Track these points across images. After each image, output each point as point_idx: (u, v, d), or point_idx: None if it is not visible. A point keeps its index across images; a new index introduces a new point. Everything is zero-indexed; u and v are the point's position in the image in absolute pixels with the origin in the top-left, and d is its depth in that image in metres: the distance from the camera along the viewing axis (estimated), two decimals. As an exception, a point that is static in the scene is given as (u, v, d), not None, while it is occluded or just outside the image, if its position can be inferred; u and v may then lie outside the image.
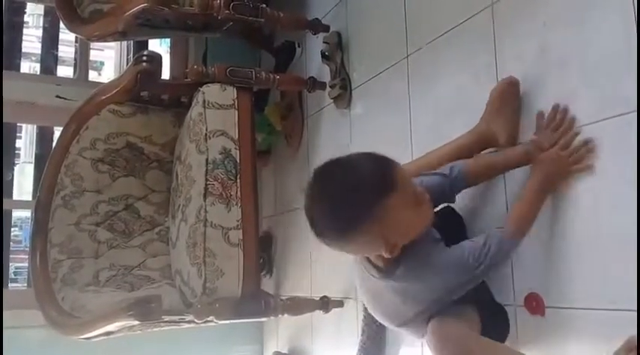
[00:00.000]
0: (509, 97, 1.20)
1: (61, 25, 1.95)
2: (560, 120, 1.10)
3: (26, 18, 4.07)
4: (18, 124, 3.63)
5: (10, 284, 3.18)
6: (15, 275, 3.98)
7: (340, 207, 0.96)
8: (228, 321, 1.55)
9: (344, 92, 1.87)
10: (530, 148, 1.13)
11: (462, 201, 1.31)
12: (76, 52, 2.74)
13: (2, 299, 1.85)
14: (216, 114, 1.64)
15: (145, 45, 2.76)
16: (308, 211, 1.01)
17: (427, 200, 1.03)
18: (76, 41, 2.71)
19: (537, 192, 1.10)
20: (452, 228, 1.27)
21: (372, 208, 0.95)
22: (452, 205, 1.29)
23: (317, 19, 2.00)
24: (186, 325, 1.65)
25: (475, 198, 1.31)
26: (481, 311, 1.14)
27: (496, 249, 1.04)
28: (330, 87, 1.92)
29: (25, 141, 6.22)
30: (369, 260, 1.09)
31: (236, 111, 1.67)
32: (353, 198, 0.95)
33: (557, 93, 1.13)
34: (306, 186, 1.02)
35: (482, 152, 1.25)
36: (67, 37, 3.58)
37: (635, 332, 0.95)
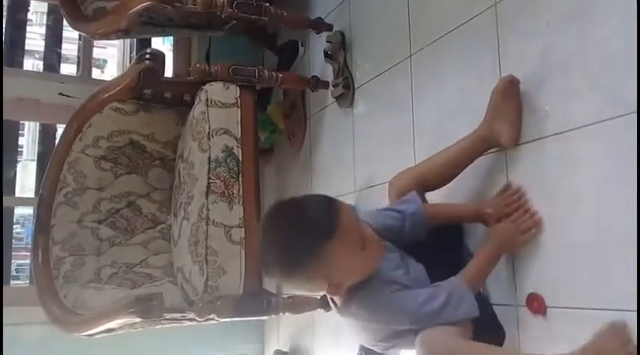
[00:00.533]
0: (511, 96, 1.20)
1: (65, 22, 1.96)
2: (512, 201, 1.19)
3: (30, 16, 4.08)
4: (21, 122, 3.63)
5: (12, 282, 3.18)
6: (17, 273, 3.99)
7: (284, 249, 1.02)
8: (229, 319, 1.56)
9: (347, 91, 1.87)
10: (482, 211, 1.22)
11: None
12: (79, 50, 2.74)
13: (2, 297, 1.85)
14: (218, 112, 1.64)
15: (148, 43, 2.76)
16: (260, 248, 1.08)
17: (374, 243, 1.07)
18: (79, 39, 2.71)
19: (489, 259, 1.17)
20: (450, 234, 1.29)
21: (312, 253, 1.00)
22: None
23: (320, 18, 2.00)
24: (188, 323, 1.65)
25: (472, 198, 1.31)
26: (474, 319, 1.14)
27: (449, 300, 1.08)
28: (333, 86, 1.92)
29: (28, 138, 6.24)
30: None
31: (239, 110, 1.67)
32: (295, 242, 1.00)
33: (559, 94, 1.13)
34: (261, 222, 1.09)
35: (485, 153, 1.26)
36: (70, 34, 3.59)
37: (635, 332, 0.95)
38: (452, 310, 1.07)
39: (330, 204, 1.04)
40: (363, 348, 1.63)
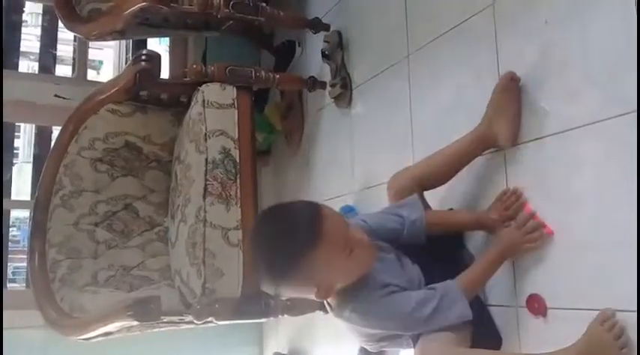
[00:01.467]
0: (512, 94, 1.19)
1: (60, 24, 1.94)
2: (511, 202, 1.19)
3: (25, 17, 4.06)
4: (16, 124, 3.62)
5: (8, 285, 3.17)
6: (13, 276, 3.98)
7: (270, 257, 1.04)
8: (227, 322, 1.55)
9: (344, 91, 1.86)
10: (484, 218, 1.23)
11: (462, 204, 1.31)
12: (74, 51, 2.73)
13: (2, 300, 1.84)
14: (215, 113, 1.63)
15: (144, 44, 2.76)
16: (252, 256, 1.11)
17: (364, 246, 1.07)
18: (74, 40, 2.70)
19: (492, 263, 1.17)
20: (451, 235, 1.29)
21: (298, 260, 1.01)
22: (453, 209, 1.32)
23: (317, 18, 1.99)
24: (186, 326, 1.64)
25: (474, 200, 1.31)
26: (472, 324, 1.14)
27: (441, 304, 1.08)
28: (331, 86, 1.91)
29: (24, 140, 6.22)
30: None
31: (236, 111, 1.66)
32: (281, 250, 1.02)
33: (559, 93, 1.13)
34: (251, 229, 1.11)
35: (483, 152, 1.25)
36: (65, 36, 3.57)
37: (635, 332, 0.95)
38: (444, 315, 1.08)
39: (313, 211, 1.04)
40: (362, 350, 1.63)
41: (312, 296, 1.07)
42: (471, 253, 1.29)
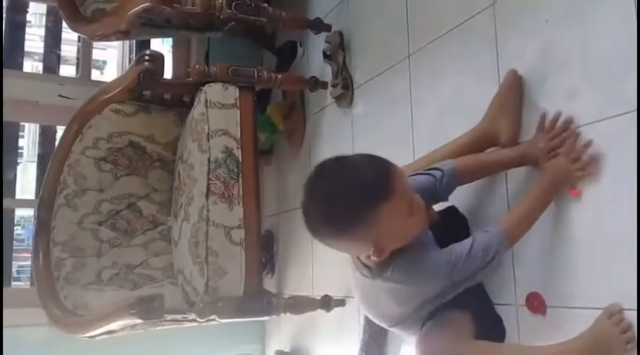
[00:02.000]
0: (515, 92, 1.19)
1: (64, 24, 1.95)
2: (560, 130, 1.11)
3: (29, 17, 4.08)
4: (21, 123, 3.63)
5: (13, 283, 3.18)
6: (18, 274, 4.00)
7: (333, 208, 0.97)
8: (230, 320, 1.56)
9: (346, 91, 1.87)
10: (528, 151, 1.14)
11: (465, 202, 1.31)
12: (78, 51, 2.74)
13: (2, 299, 1.85)
14: (218, 113, 1.65)
15: (148, 44, 2.76)
16: (304, 207, 1.01)
17: (422, 209, 1.02)
18: (78, 40, 2.71)
19: (541, 197, 1.09)
20: (456, 229, 1.27)
21: (364, 214, 0.95)
22: (456, 206, 1.30)
23: (319, 18, 2.00)
24: (189, 324, 1.65)
25: (478, 199, 1.31)
26: (475, 316, 1.14)
27: (485, 254, 1.03)
28: (332, 86, 1.92)
29: (28, 140, 6.24)
30: (359, 259, 1.09)
31: (238, 111, 1.67)
32: (346, 201, 0.95)
33: (559, 92, 1.13)
34: (305, 181, 1.01)
35: (483, 151, 1.26)
36: (69, 36, 3.59)
37: (635, 332, 0.96)
38: (483, 258, 1.02)
39: (385, 166, 0.99)
40: (363, 348, 1.64)
41: (368, 254, 1.01)
42: None
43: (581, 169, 1.06)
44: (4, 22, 3.24)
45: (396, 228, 0.99)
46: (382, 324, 1.24)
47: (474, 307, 1.16)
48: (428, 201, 1.09)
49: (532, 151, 1.13)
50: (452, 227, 1.25)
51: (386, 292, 1.11)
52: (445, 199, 1.18)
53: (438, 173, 1.14)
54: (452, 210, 1.29)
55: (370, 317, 1.26)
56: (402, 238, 1.02)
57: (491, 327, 1.20)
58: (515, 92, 1.20)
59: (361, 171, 0.98)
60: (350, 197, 0.95)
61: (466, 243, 1.04)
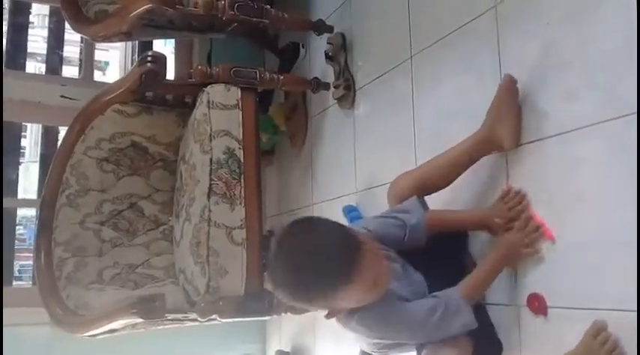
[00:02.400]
0: (512, 97, 1.20)
1: (67, 25, 1.96)
2: (514, 203, 1.18)
3: (31, 18, 4.09)
4: (23, 124, 3.64)
5: (14, 283, 3.19)
6: (20, 273, 4.00)
7: (297, 279, 1.01)
8: (231, 320, 1.56)
9: (348, 93, 1.88)
10: (489, 220, 1.21)
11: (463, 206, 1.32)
12: (81, 52, 2.75)
13: (2, 297, 1.86)
14: (220, 114, 1.65)
15: (150, 45, 2.77)
16: (270, 266, 1.07)
17: (386, 276, 1.07)
18: (81, 41, 2.72)
19: (493, 268, 1.18)
20: (453, 238, 1.29)
21: (326, 292, 1.01)
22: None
23: (321, 20, 2.00)
24: (190, 323, 1.65)
25: (477, 203, 1.32)
26: (475, 337, 1.15)
27: (445, 315, 1.09)
28: (334, 87, 1.93)
29: (30, 140, 6.25)
30: None
31: (240, 112, 1.67)
32: (311, 277, 0.99)
33: (560, 94, 1.14)
34: (277, 238, 1.06)
35: (484, 157, 1.26)
36: (72, 37, 3.60)
37: (635, 332, 0.96)
38: (448, 324, 1.09)
39: (353, 245, 1.01)
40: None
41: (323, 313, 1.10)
42: (473, 256, 1.30)
43: (529, 246, 1.15)
44: (7, 23, 3.26)
45: (358, 300, 1.05)
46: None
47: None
48: (394, 246, 1.19)
49: (489, 220, 1.21)
50: (450, 241, 1.27)
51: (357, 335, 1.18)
52: (420, 245, 1.21)
53: (407, 219, 1.19)
54: None
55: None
56: (364, 303, 1.06)
57: (489, 343, 1.21)
58: (512, 97, 1.20)
59: (329, 247, 1.01)
60: (314, 273, 0.99)
61: (426, 302, 1.11)
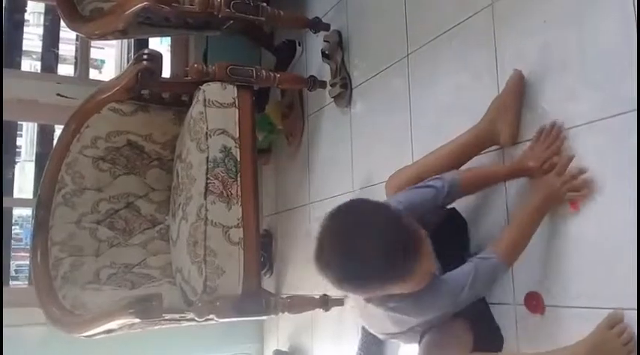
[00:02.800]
0: (517, 93, 1.20)
1: (62, 23, 1.95)
2: (553, 138, 1.12)
3: (27, 16, 4.07)
4: (18, 122, 3.63)
5: (11, 282, 3.18)
6: (16, 273, 4.00)
7: (354, 268, 0.96)
8: (228, 320, 1.56)
9: (344, 91, 1.87)
10: (523, 164, 1.15)
11: (463, 205, 1.31)
12: (76, 51, 2.74)
13: (2, 297, 1.85)
14: (216, 112, 1.64)
15: (146, 43, 2.76)
16: (321, 241, 0.99)
17: (431, 267, 1.02)
18: (76, 39, 2.71)
19: (532, 215, 1.11)
20: (455, 231, 1.29)
21: (381, 284, 0.97)
22: (457, 208, 1.30)
23: (317, 17, 2.00)
24: (187, 323, 1.65)
25: (477, 202, 1.31)
26: (474, 325, 1.16)
27: (484, 278, 1.06)
28: (331, 86, 1.92)
29: (26, 139, 6.23)
30: None
31: (237, 110, 1.67)
32: (369, 270, 0.95)
33: (557, 92, 1.13)
34: (331, 229, 0.99)
35: (483, 151, 1.26)
36: (67, 35, 3.59)
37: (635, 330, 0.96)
38: (484, 287, 1.07)
39: (416, 239, 0.97)
40: (362, 348, 1.64)
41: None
42: (471, 252, 1.29)
43: (572, 190, 1.07)
44: (2, 21, 3.24)
45: (408, 288, 1.00)
46: (379, 336, 1.26)
47: (473, 316, 1.17)
48: (428, 213, 1.13)
49: (524, 165, 1.15)
50: (451, 230, 1.26)
51: (385, 315, 1.12)
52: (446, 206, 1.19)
53: (438, 183, 1.14)
54: (452, 212, 1.29)
55: (367, 328, 1.27)
56: (409, 291, 1.01)
57: (490, 336, 1.21)
58: (518, 93, 1.20)
59: (391, 243, 0.95)
60: (372, 267, 0.94)
61: (467, 271, 1.05)
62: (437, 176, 1.16)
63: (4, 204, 2.59)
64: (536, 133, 1.15)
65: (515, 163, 1.18)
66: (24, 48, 3.50)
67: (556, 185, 1.08)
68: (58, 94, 2.33)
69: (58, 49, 3.63)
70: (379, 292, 1.00)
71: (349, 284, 0.98)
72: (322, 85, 1.97)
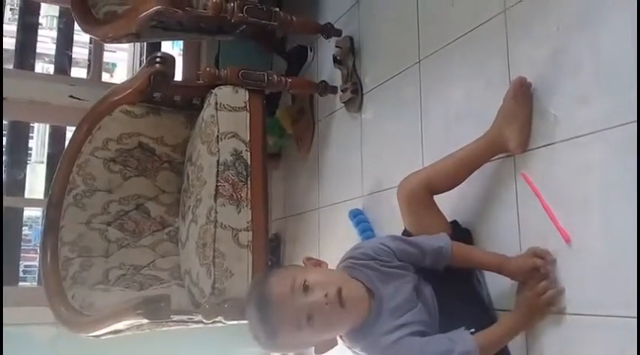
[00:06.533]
0: (523, 99, 1.19)
1: (76, 27, 1.97)
2: (543, 253, 1.13)
3: (41, 19, 4.12)
4: (30, 124, 3.66)
5: (19, 283, 3.20)
6: (24, 274, 4.02)
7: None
8: (236, 322, 1.56)
9: (355, 96, 1.87)
10: (506, 265, 1.16)
11: (468, 217, 1.32)
12: (89, 53, 2.76)
13: (2, 297, 1.86)
14: (228, 116, 1.65)
15: (158, 47, 2.78)
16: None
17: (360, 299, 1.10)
18: (90, 42, 2.74)
19: (511, 330, 1.14)
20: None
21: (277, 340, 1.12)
22: (457, 220, 1.32)
23: (329, 23, 2.01)
24: (195, 325, 1.65)
25: (482, 214, 1.31)
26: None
27: None
28: (342, 91, 1.93)
29: (37, 140, 6.28)
30: None
31: (248, 114, 1.68)
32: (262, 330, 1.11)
33: (569, 99, 1.13)
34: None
35: (493, 158, 1.26)
36: (81, 38, 3.62)
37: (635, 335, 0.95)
38: None
39: (262, 304, 1.09)
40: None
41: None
42: (480, 276, 1.27)
43: (549, 306, 1.10)
44: (16, 23, 3.28)
45: (308, 340, 1.11)
46: None
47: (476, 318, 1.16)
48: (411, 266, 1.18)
49: (509, 270, 1.16)
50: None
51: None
52: (439, 268, 1.19)
53: (431, 250, 1.17)
54: (453, 225, 1.30)
55: None
56: (330, 334, 1.11)
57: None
58: (522, 100, 1.19)
59: (260, 312, 1.11)
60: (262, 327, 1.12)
61: (438, 343, 1.07)
62: (437, 236, 1.20)
63: (16, 205, 2.62)
64: (529, 250, 1.16)
65: (502, 263, 1.18)
66: (37, 50, 3.53)
67: (539, 305, 1.11)
68: (71, 96, 2.35)
69: (71, 52, 3.66)
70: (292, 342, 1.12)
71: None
72: (333, 90, 1.97)
